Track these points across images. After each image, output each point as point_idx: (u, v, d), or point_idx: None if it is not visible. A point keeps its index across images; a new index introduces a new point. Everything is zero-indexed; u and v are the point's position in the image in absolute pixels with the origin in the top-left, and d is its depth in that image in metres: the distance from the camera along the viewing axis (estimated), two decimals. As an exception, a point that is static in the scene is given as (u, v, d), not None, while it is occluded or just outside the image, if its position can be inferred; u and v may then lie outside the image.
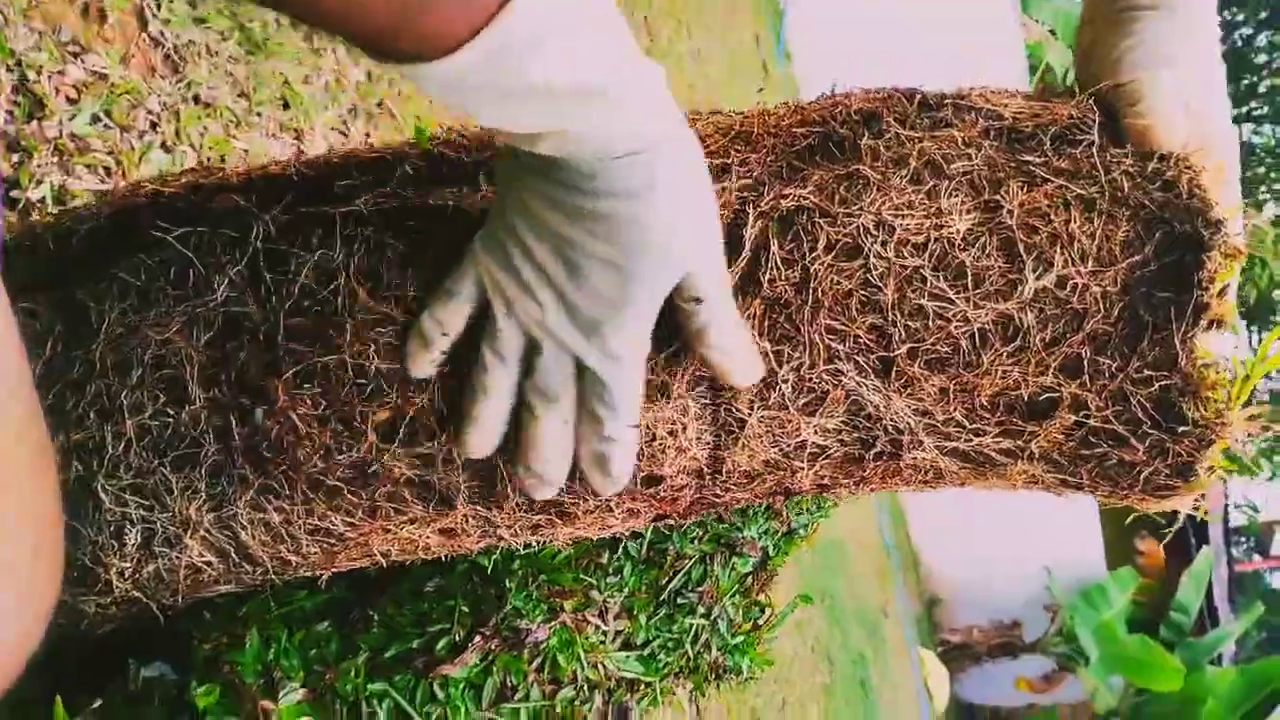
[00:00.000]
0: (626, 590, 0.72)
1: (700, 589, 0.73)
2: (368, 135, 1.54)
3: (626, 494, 0.55)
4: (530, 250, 0.46)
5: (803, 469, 0.54)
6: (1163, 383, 0.47)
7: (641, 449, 0.53)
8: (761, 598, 0.80)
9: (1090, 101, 0.51)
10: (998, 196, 0.49)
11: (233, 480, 0.56)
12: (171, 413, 0.55)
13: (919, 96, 0.54)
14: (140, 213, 0.58)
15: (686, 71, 3.72)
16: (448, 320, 0.50)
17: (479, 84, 0.38)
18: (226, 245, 0.56)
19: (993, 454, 0.52)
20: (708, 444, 0.54)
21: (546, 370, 0.49)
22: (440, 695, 0.63)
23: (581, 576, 0.70)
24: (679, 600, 0.73)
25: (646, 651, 0.71)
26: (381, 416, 0.54)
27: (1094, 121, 0.50)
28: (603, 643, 0.69)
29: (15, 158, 0.90)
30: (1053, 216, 0.48)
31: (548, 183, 0.44)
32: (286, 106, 1.36)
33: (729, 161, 0.53)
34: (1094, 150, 0.48)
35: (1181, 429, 0.47)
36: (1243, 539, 12.46)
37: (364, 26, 0.36)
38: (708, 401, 0.53)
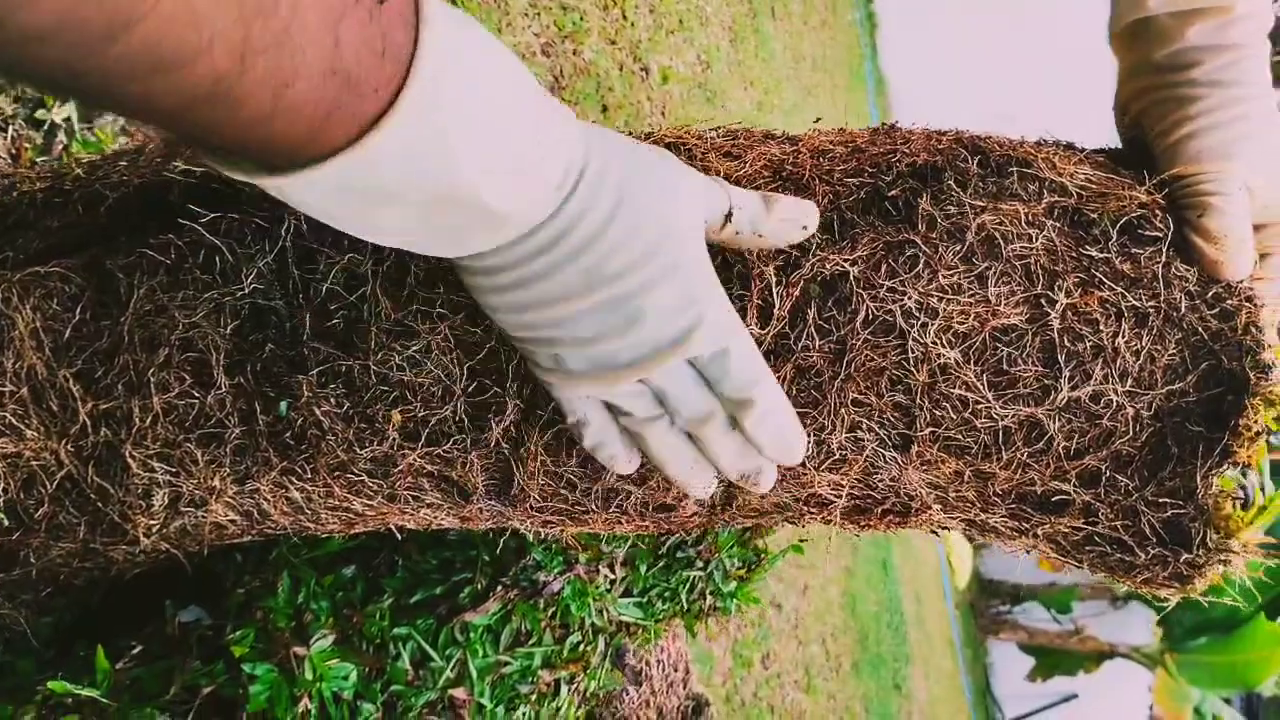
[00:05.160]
0: (629, 542, 0.75)
1: (699, 547, 0.77)
2: None
3: (637, 516, 0.57)
4: (572, 334, 0.44)
5: (810, 513, 0.55)
6: (1176, 510, 0.47)
7: (662, 486, 0.54)
8: (758, 543, 0.84)
9: (1160, 194, 0.47)
10: (1050, 292, 0.47)
11: (256, 461, 0.57)
12: (197, 395, 0.56)
13: (982, 155, 0.50)
14: (170, 189, 0.56)
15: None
16: (601, 432, 0.49)
17: (373, 189, 0.35)
18: (256, 234, 0.55)
19: (998, 528, 0.53)
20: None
21: (683, 400, 0.46)
22: (460, 639, 0.67)
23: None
24: (677, 554, 0.77)
25: (645, 599, 0.76)
26: (404, 421, 0.55)
27: (1164, 219, 0.47)
28: (608, 591, 0.74)
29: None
30: (1102, 326, 0.46)
31: (508, 272, 0.43)
32: None
33: None
34: (1160, 260, 0.46)
35: (1185, 554, 0.47)
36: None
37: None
38: None
